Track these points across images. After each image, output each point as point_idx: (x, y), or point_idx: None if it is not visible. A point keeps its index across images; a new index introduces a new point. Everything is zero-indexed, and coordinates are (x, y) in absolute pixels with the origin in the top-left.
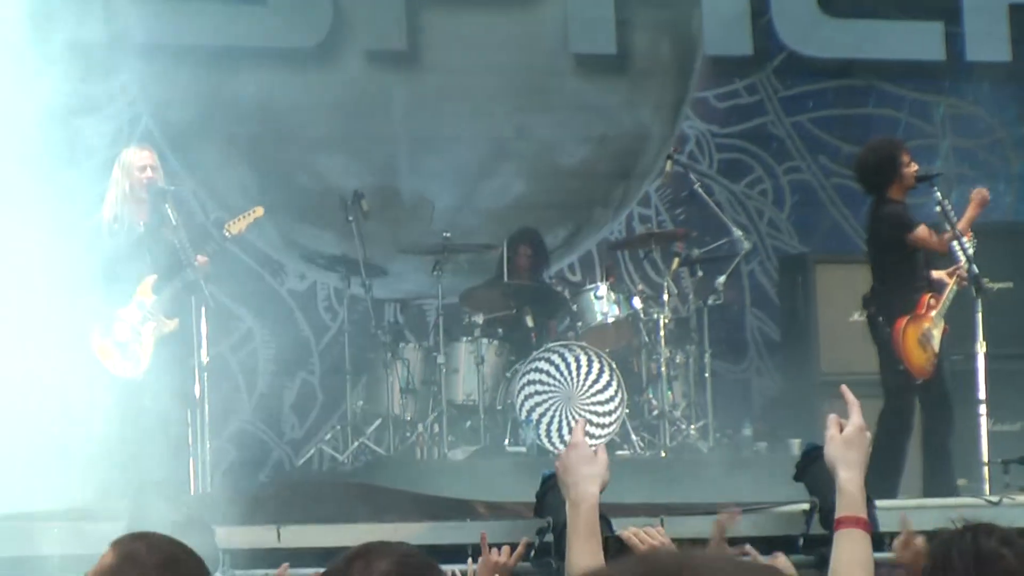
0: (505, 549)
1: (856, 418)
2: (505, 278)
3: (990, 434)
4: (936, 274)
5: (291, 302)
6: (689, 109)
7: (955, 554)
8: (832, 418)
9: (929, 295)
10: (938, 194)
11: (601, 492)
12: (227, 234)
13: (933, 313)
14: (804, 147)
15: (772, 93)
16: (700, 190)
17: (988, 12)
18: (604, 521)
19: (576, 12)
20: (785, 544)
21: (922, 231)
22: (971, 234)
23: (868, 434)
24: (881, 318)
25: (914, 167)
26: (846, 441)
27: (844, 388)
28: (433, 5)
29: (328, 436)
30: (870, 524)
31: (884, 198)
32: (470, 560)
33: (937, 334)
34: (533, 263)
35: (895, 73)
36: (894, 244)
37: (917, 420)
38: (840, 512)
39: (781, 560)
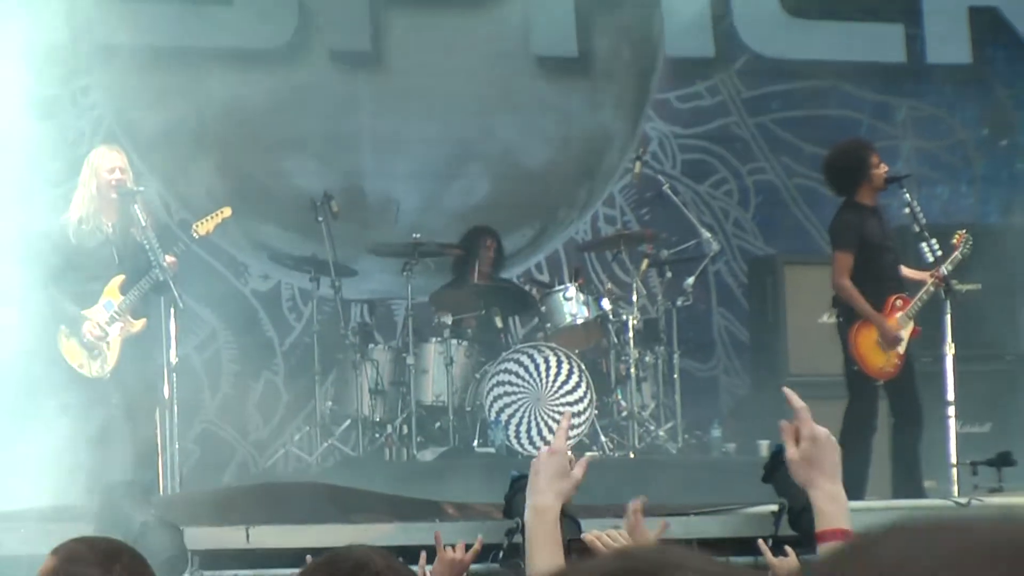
0: (460, 545)
1: (805, 429)
2: (475, 278)
3: (958, 435)
4: (915, 275)
5: (255, 302)
6: (651, 110)
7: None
8: (785, 431)
9: (896, 296)
10: (907, 196)
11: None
12: (195, 235)
13: (899, 315)
14: (768, 148)
15: (735, 94)
16: (669, 191)
17: (948, 14)
18: (573, 522)
19: (537, 14)
20: (755, 546)
21: (840, 259)
22: (963, 235)
23: (825, 438)
24: (842, 319)
25: (883, 169)
26: (803, 458)
27: (786, 390)
28: (397, 6)
29: (297, 437)
30: (849, 532)
31: (851, 202)
32: (423, 558)
33: (904, 335)
34: (498, 258)
35: (856, 75)
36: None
37: (884, 421)
38: (817, 527)
39: (792, 558)
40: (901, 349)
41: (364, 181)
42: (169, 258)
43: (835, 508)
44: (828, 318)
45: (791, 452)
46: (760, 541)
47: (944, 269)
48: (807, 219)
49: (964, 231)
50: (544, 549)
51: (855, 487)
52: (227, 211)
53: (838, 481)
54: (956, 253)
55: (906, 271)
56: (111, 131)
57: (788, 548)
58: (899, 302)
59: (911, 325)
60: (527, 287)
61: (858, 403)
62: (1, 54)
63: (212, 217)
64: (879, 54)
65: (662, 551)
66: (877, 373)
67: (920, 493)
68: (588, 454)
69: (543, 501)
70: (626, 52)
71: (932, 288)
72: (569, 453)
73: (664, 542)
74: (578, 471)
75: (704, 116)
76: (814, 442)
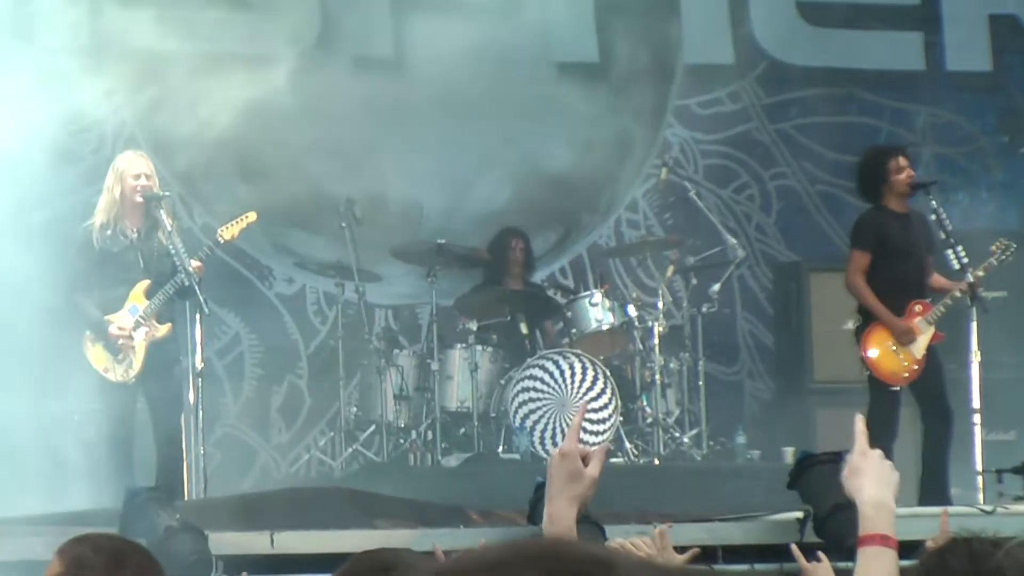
0: None
1: (857, 445)
2: (505, 281)
3: (984, 443)
4: (946, 284)
5: (279, 306)
6: (672, 116)
7: (951, 563)
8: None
9: (916, 302)
10: (932, 202)
11: (581, 508)
12: (220, 239)
13: (917, 319)
14: (789, 153)
15: (755, 100)
16: (696, 197)
17: (968, 22)
18: (598, 528)
19: (557, 21)
20: (779, 553)
21: (854, 257)
22: (1003, 243)
23: (872, 456)
24: (859, 324)
25: (906, 175)
26: (852, 469)
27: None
28: (418, 13)
29: (321, 442)
30: (891, 539)
31: (876, 206)
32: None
33: (922, 340)
34: (527, 259)
35: (876, 82)
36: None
37: (908, 427)
38: (860, 533)
39: (825, 563)
40: (918, 354)
41: (387, 186)
42: (195, 263)
43: (876, 514)
44: (852, 325)
45: (847, 468)
46: (793, 546)
47: (970, 275)
48: (829, 225)
49: (1005, 239)
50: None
51: None
52: (252, 216)
53: (885, 490)
54: (992, 260)
55: (938, 280)
56: (133, 136)
57: (821, 554)
58: (919, 307)
59: (932, 330)
60: (553, 292)
61: (875, 408)
62: (24, 59)
63: (237, 221)
64: (898, 62)
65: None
66: (889, 378)
67: (947, 500)
68: (602, 446)
69: (556, 508)
70: (646, 58)
71: (957, 295)
72: (583, 447)
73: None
74: (593, 468)
75: (725, 122)
76: (863, 456)
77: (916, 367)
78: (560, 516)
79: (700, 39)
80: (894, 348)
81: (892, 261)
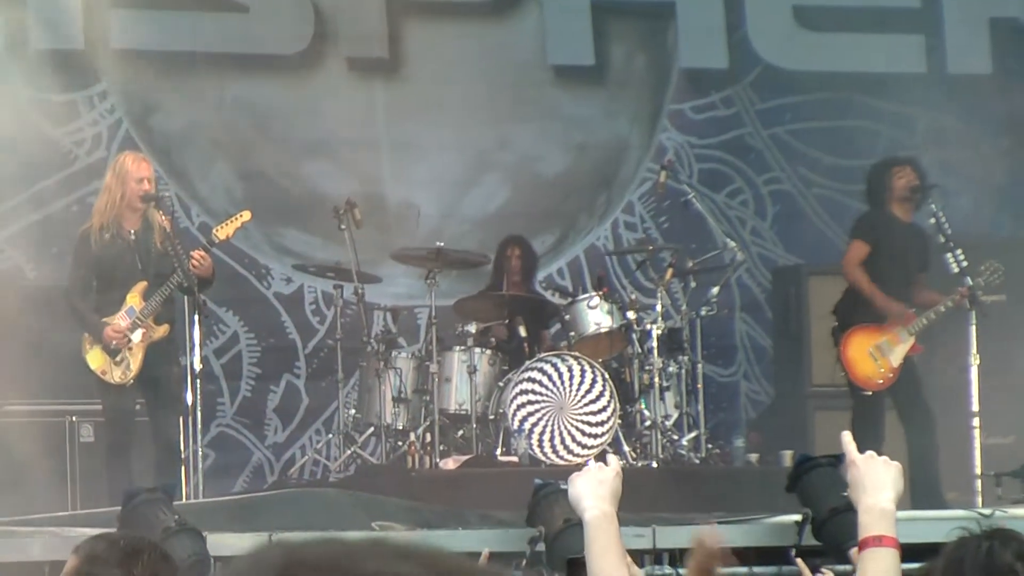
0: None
1: (847, 456)
2: (504, 288)
3: (983, 447)
4: (930, 299)
5: (277, 305)
6: (667, 120)
7: (967, 565)
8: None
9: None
10: (932, 206)
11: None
12: (215, 239)
13: (898, 329)
14: (783, 158)
15: (749, 105)
16: (695, 200)
17: (969, 24)
18: None
19: (554, 23)
20: (777, 555)
21: (852, 246)
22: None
23: (862, 461)
24: (837, 324)
25: (905, 180)
26: (851, 481)
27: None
28: (414, 15)
29: (319, 443)
30: (887, 538)
31: (882, 210)
32: None
33: (900, 349)
34: (525, 266)
35: (874, 85)
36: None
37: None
38: (860, 535)
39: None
40: (895, 361)
41: (383, 187)
42: (197, 253)
43: (870, 519)
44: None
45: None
46: (799, 561)
47: (970, 280)
48: (828, 228)
49: (995, 262)
50: (602, 559)
51: None
52: (247, 215)
53: (880, 495)
54: (980, 279)
55: (927, 296)
56: (129, 136)
57: (826, 571)
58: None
59: (911, 341)
60: (552, 294)
61: (856, 411)
62: (18, 60)
63: (231, 221)
64: (898, 65)
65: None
66: (864, 382)
67: (940, 503)
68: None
69: (607, 508)
70: (642, 62)
71: (942, 309)
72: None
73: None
74: (613, 463)
75: (719, 127)
76: (854, 465)
77: (891, 375)
78: (612, 516)
79: (695, 43)
80: (871, 353)
81: (885, 264)
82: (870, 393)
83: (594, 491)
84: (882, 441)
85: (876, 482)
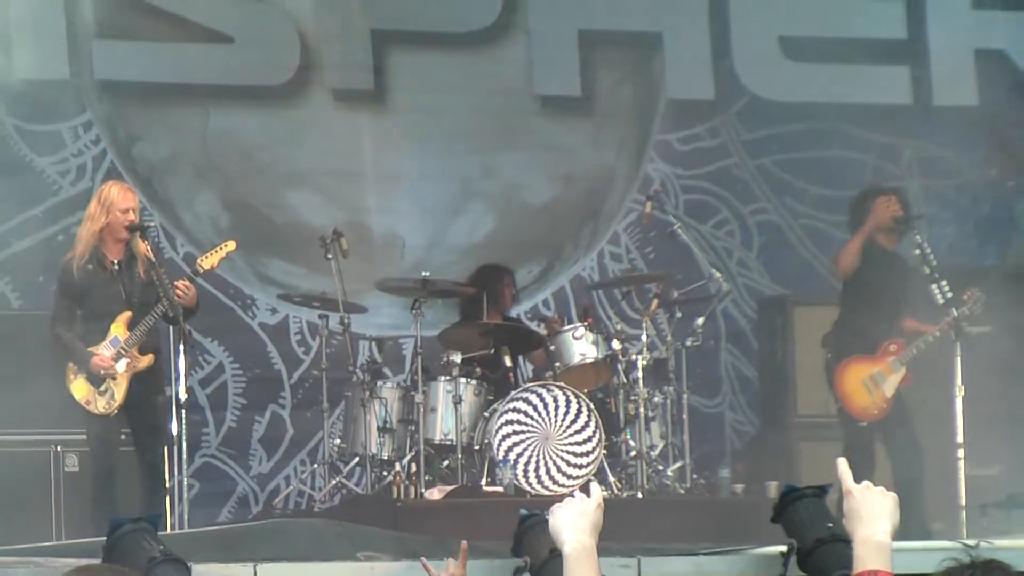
0: (449, 562)
1: (843, 485)
2: (484, 316)
3: (968, 478)
4: (920, 328)
5: (263, 335)
6: (653, 151)
7: None
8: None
9: (891, 342)
10: (917, 236)
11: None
12: (200, 269)
13: (891, 359)
14: (769, 189)
15: (735, 136)
16: (681, 231)
17: (955, 56)
18: None
19: (540, 54)
20: None
21: (851, 243)
22: (973, 292)
23: (858, 491)
24: (830, 355)
25: (890, 210)
26: (845, 512)
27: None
28: (399, 45)
29: (304, 474)
30: (881, 572)
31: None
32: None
33: (892, 379)
34: (513, 295)
35: (861, 116)
36: (849, 283)
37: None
38: (855, 568)
39: None
40: (888, 392)
41: (368, 217)
42: (181, 283)
43: (865, 551)
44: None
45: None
46: None
47: (955, 311)
48: (815, 258)
49: (977, 290)
50: None
51: None
52: (232, 244)
53: (876, 527)
54: (964, 308)
55: (912, 323)
56: (113, 167)
57: None
58: (893, 347)
59: (903, 371)
60: (537, 324)
61: (849, 442)
62: (2, 90)
63: (217, 251)
64: (885, 96)
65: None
66: (859, 413)
67: (926, 534)
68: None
69: (587, 540)
70: (628, 92)
71: (931, 339)
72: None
73: None
74: (596, 494)
75: (705, 158)
76: (849, 495)
77: (885, 405)
78: (592, 548)
79: (682, 74)
80: (866, 384)
81: (869, 297)
82: (865, 424)
83: (575, 523)
84: (874, 471)
85: (872, 513)
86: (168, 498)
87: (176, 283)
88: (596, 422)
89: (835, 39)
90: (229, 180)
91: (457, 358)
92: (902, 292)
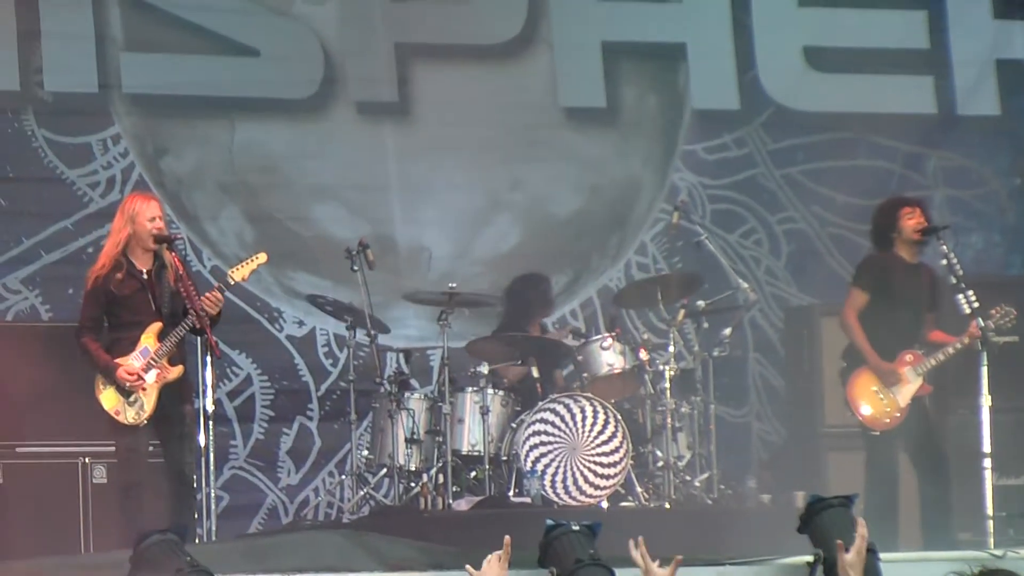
0: (492, 558)
1: (855, 545)
2: (534, 329)
3: (995, 488)
4: (942, 339)
5: (290, 348)
6: (679, 161)
7: None
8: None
9: (908, 352)
10: (943, 247)
11: None
12: (231, 280)
13: (906, 368)
14: (796, 198)
15: (761, 146)
16: (708, 242)
17: (976, 66)
18: (608, 572)
19: (565, 66)
20: None
21: (851, 294)
22: (1001, 308)
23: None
24: (846, 364)
25: (914, 221)
26: (849, 564)
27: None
28: (423, 58)
29: (332, 485)
30: None
31: (886, 252)
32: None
33: (907, 389)
34: (540, 308)
35: (887, 126)
36: (870, 296)
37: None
38: None
39: None
40: (902, 402)
41: (394, 229)
42: (211, 294)
43: None
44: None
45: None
46: None
47: (981, 321)
48: (842, 267)
49: (1007, 305)
50: None
51: (884, 537)
52: (263, 257)
53: None
54: (990, 322)
55: (938, 335)
56: (141, 179)
57: None
58: (909, 356)
59: (920, 381)
60: (567, 335)
61: (869, 453)
62: (33, 103)
63: (248, 263)
64: (909, 106)
65: None
66: (871, 422)
67: (952, 544)
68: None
69: None
70: (653, 103)
71: (953, 349)
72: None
73: None
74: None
75: (731, 168)
76: (858, 554)
77: (898, 414)
78: None
79: (707, 85)
80: (878, 393)
81: (889, 307)
82: (878, 433)
83: None
84: (896, 482)
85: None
86: (196, 510)
87: (207, 294)
88: (623, 433)
89: (858, 49)
90: (254, 193)
91: (484, 369)
92: (924, 303)
